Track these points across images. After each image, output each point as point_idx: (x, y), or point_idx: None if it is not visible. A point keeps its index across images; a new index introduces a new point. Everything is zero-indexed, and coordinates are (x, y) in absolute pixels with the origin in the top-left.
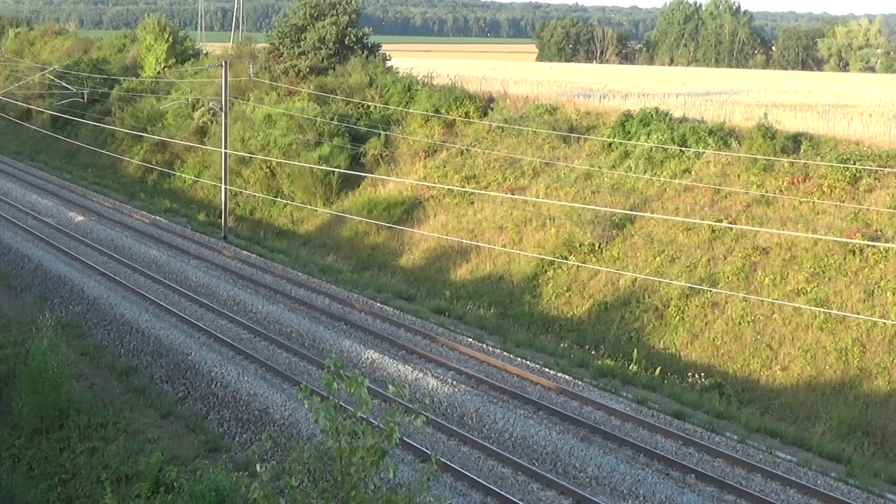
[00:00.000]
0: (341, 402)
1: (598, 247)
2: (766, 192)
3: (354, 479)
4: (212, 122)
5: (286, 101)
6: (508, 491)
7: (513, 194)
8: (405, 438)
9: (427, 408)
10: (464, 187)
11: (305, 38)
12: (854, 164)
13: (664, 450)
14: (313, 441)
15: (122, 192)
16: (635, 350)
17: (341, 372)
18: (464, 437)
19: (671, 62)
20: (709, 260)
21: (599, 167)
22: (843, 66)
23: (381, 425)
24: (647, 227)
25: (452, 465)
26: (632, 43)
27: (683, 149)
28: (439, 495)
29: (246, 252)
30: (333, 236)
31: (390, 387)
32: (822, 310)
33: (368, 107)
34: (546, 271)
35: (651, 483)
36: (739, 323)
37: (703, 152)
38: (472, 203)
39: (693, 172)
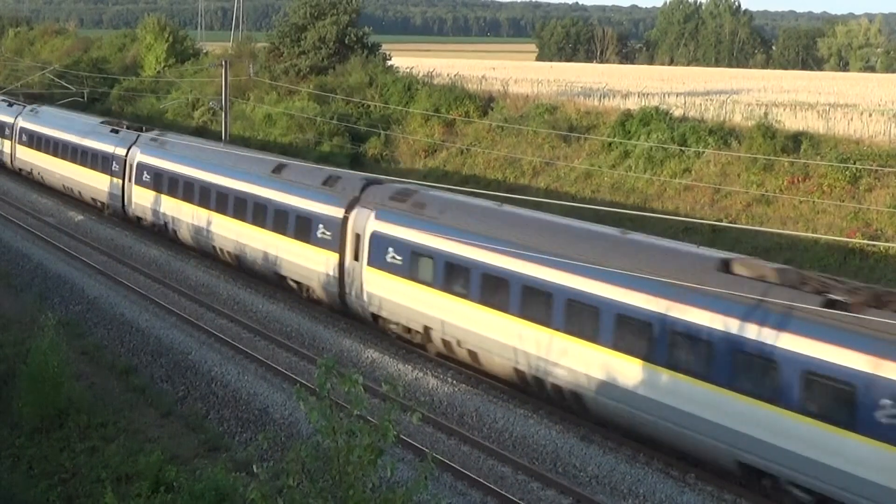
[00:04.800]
0: (339, 401)
1: None
2: (766, 191)
3: (352, 478)
4: (212, 122)
5: (286, 101)
6: (508, 490)
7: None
8: (404, 437)
9: (423, 404)
10: (463, 187)
11: (306, 37)
12: (854, 163)
13: (664, 449)
14: (311, 440)
15: None
16: None
17: (337, 371)
18: (463, 437)
19: (671, 61)
20: None
21: (599, 167)
22: (844, 65)
23: (379, 423)
24: (647, 226)
25: (452, 465)
26: (632, 42)
27: (683, 148)
28: (437, 493)
29: None
30: None
31: (383, 384)
32: (822, 309)
33: (368, 106)
34: None
35: (651, 482)
36: None
37: (703, 152)
38: None
39: (693, 172)
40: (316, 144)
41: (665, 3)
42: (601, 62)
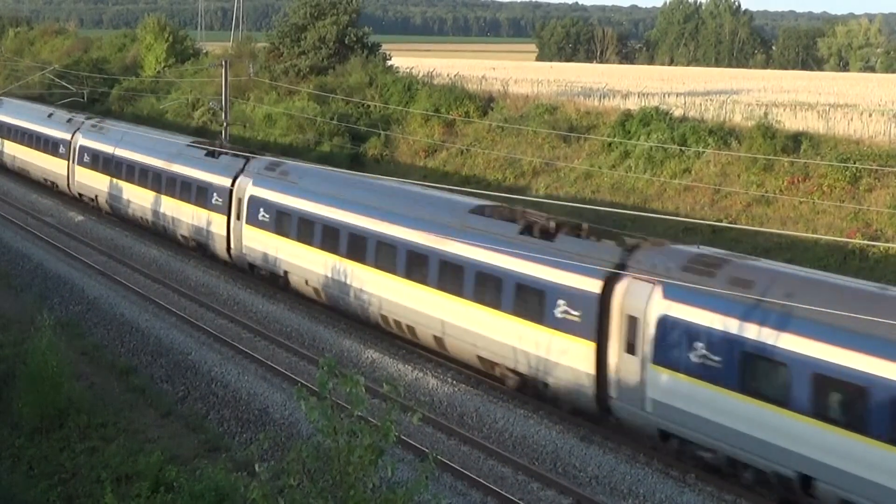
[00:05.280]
0: (339, 402)
1: None
2: (766, 191)
3: (353, 479)
4: (212, 122)
5: (286, 101)
6: (508, 490)
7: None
8: (405, 437)
9: (423, 405)
10: (463, 187)
11: (306, 37)
12: (854, 163)
13: (664, 449)
14: (311, 440)
15: None
16: None
17: (338, 371)
18: (463, 437)
19: (671, 62)
20: None
21: (599, 167)
22: (843, 65)
23: (379, 424)
24: (648, 226)
25: (452, 465)
26: (632, 42)
27: (683, 148)
28: (437, 493)
29: None
30: None
31: (384, 385)
32: (822, 310)
33: (368, 106)
34: None
35: (651, 482)
36: None
37: (703, 152)
38: None
39: (693, 172)
40: (316, 144)
41: (665, 3)
42: (601, 62)
